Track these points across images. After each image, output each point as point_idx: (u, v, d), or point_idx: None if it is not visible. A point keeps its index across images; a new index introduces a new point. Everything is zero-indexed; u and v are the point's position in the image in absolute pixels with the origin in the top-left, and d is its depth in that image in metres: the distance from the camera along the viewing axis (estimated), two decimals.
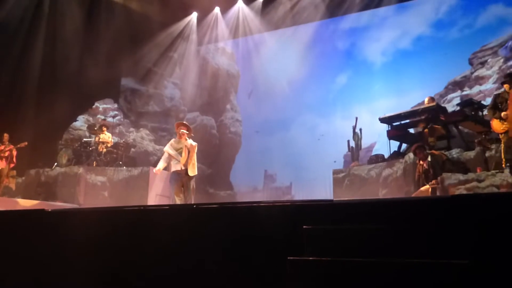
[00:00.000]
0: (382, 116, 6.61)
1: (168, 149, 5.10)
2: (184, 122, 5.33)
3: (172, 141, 5.19)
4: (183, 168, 4.92)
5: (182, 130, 5.04)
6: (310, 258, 1.90)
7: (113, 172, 8.37)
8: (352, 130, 7.92)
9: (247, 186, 10.76)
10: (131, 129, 11.32)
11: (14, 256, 2.98)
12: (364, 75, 9.31)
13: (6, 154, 7.74)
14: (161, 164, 5.08)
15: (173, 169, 5.01)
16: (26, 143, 7.86)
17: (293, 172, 9.78)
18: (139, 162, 9.74)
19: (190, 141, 5.00)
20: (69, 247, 2.81)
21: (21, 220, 3.10)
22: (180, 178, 4.94)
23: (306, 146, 9.81)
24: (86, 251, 2.73)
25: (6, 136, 7.88)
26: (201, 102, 11.71)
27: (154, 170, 5.12)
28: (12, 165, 7.92)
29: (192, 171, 4.95)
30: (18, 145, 7.82)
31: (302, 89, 10.18)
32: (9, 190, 8.12)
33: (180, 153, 5.00)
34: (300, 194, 9.42)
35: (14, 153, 7.85)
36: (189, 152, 4.92)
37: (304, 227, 2.06)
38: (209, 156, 11.08)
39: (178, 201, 4.79)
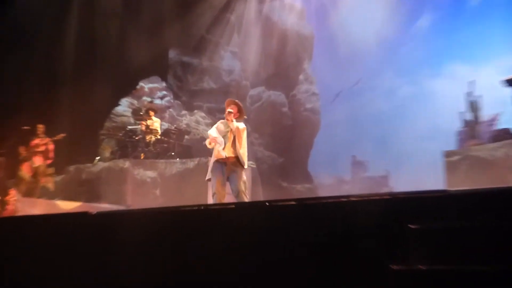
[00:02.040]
0: (507, 77, 6.46)
1: (212, 131, 5.27)
2: (236, 100, 5.40)
3: (219, 122, 5.36)
4: (227, 156, 5.05)
5: (228, 110, 5.17)
6: (420, 268, 1.83)
7: (165, 166, 8.71)
8: (466, 98, 7.84)
9: (331, 177, 11.02)
10: (184, 112, 11.77)
11: (55, 267, 3.17)
12: (480, 24, 9.21)
13: (42, 148, 7.86)
14: (217, 135, 5.18)
15: (215, 156, 5.13)
16: (63, 134, 8.05)
17: (389, 157, 9.89)
18: (195, 151, 10.02)
19: (237, 124, 5.10)
20: (119, 255, 2.94)
21: (63, 225, 3.30)
22: (223, 169, 5.06)
23: (405, 123, 9.83)
24: (138, 260, 2.86)
25: (41, 127, 7.98)
26: (267, 74, 11.97)
27: (212, 139, 5.13)
28: (49, 162, 8.08)
29: (242, 161, 5.07)
30: (55, 137, 7.97)
31: (395, 48, 10.28)
32: (46, 191, 8.23)
33: (226, 137, 5.16)
34: (401, 185, 9.27)
35: (51, 147, 7.95)
36: (234, 137, 5.05)
37: (410, 226, 1.99)
38: (280, 141, 11.40)
39: (220, 198, 4.89)
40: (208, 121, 11.63)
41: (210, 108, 11.96)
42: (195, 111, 11.83)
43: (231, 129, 5.14)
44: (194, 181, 8.17)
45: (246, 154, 5.10)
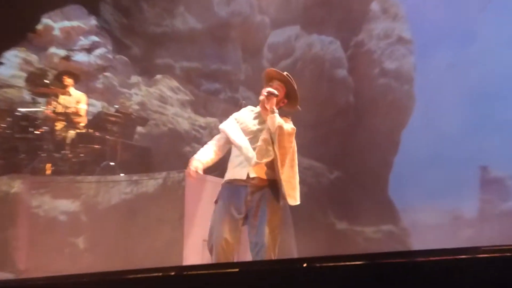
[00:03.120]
0: None
1: (227, 127, 5.61)
2: (285, 74, 5.63)
3: (243, 111, 5.70)
4: (253, 177, 5.38)
5: (269, 90, 5.43)
6: None
7: (96, 189, 8.87)
8: None
9: (437, 212, 11.60)
10: (135, 78, 12.00)
11: None
12: None
13: None
14: (206, 155, 5.66)
15: (230, 175, 5.49)
16: None
17: None
18: (159, 160, 10.74)
19: (280, 120, 5.40)
20: None
21: None
22: (241, 200, 5.41)
23: None
24: None
25: None
26: (305, 1, 12.72)
27: (191, 167, 5.61)
28: None
29: (291, 189, 5.43)
30: None
31: None
32: None
33: (255, 141, 5.46)
34: None
35: None
36: (277, 142, 5.38)
37: None
38: (332, 139, 12.41)
39: (222, 252, 5.35)
40: (185, 97, 12.27)
41: (190, 71, 12.42)
42: (158, 76, 12.15)
43: (269, 127, 5.38)
44: (158, 219, 8.46)
45: (296, 178, 5.46)
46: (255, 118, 5.56)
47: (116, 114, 9.99)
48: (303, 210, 11.69)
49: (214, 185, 9.30)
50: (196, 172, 5.55)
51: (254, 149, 5.44)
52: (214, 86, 13.11)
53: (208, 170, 10.58)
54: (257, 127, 5.52)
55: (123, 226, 8.68)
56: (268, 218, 5.36)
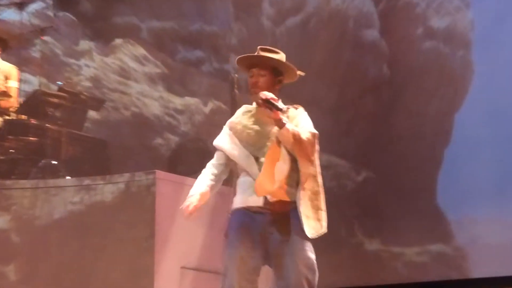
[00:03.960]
0: None
1: (224, 143, 5.77)
2: (258, 48, 5.85)
3: (237, 116, 5.88)
4: (271, 199, 5.52)
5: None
6: None
7: (32, 197, 8.97)
8: None
9: (505, 224, 11.68)
10: (85, 44, 12.50)
11: None
12: None
13: None
14: (203, 188, 5.80)
15: (240, 201, 5.66)
16: None
17: None
18: (121, 157, 10.96)
19: (302, 130, 5.59)
20: None
21: None
22: (255, 233, 5.55)
23: None
24: None
25: None
26: None
27: (186, 205, 5.69)
28: None
29: (315, 218, 5.57)
30: None
31: None
32: None
33: (261, 153, 5.65)
34: None
35: None
36: (299, 160, 5.52)
37: None
38: (359, 125, 12.45)
39: None
40: (155, 69, 12.77)
41: (162, 34, 12.88)
42: (118, 41, 12.56)
43: (278, 135, 5.54)
44: (118, 239, 8.69)
45: (322, 198, 5.60)
46: (253, 121, 5.71)
47: (60, 94, 9.99)
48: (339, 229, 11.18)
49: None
50: (193, 208, 5.58)
51: (261, 163, 5.57)
52: (195, 55, 13.19)
53: (188, 171, 10.64)
54: (260, 134, 5.65)
55: (71, 249, 8.68)
56: (296, 254, 5.44)
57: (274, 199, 5.47)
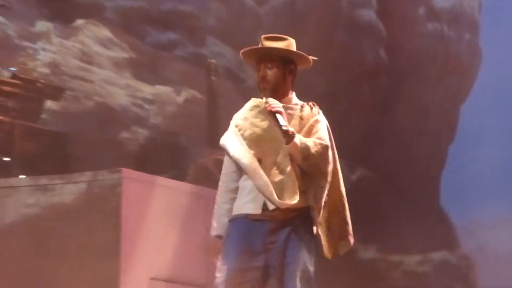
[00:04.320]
0: None
1: (230, 143, 5.70)
2: (262, 38, 5.56)
3: (248, 110, 5.77)
4: (270, 207, 5.35)
5: (264, 75, 5.48)
6: None
7: None
8: None
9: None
10: (42, 25, 12.40)
11: None
12: None
13: None
14: (224, 214, 5.75)
15: (239, 207, 5.55)
16: None
17: None
18: (83, 153, 10.75)
19: (311, 142, 5.34)
20: None
21: None
22: (260, 243, 5.35)
23: None
24: None
25: None
26: None
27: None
28: None
29: (333, 236, 5.37)
30: None
31: None
32: None
33: (267, 155, 5.51)
34: None
35: None
36: (312, 174, 5.32)
37: None
38: (354, 116, 12.80)
39: None
40: (121, 54, 12.85)
41: (129, 13, 12.96)
42: (79, 22, 12.63)
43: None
44: (78, 246, 8.75)
45: (346, 205, 5.39)
46: (262, 118, 5.53)
47: (13, 81, 9.97)
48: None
49: (167, 192, 9.33)
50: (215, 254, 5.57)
51: (273, 165, 5.40)
52: (167, 37, 13.19)
53: (158, 169, 10.72)
54: (265, 127, 5.47)
55: (25, 258, 8.78)
56: (301, 266, 5.30)
57: (287, 204, 5.33)
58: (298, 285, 5.17)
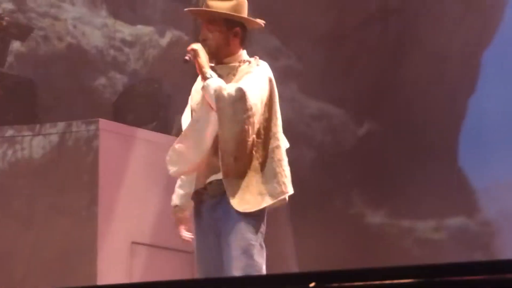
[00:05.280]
0: None
1: (184, 115, 6.41)
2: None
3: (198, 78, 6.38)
4: (204, 183, 6.15)
5: (205, 38, 6.21)
6: None
7: None
8: None
9: None
10: None
11: None
12: None
13: None
14: (180, 195, 6.44)
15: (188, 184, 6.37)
16: None
17: None
18: (53, 101, 11.46)
19: (247, 70, 6.13)
20: None
21: None
22: (205, 220, 6.12)
23: None
24: None
25: None
26: None
27: (182, 233, 6.43)
28: None
29: (249, 190, 6.07)
30: None
31: None
32: None
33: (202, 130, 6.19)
34: None
35: None
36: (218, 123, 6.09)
37: None
38: (360, 63, 12.95)
39: None
40: None
41: None
42: None
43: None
44: (49, 207, 9.02)
45: (258, 166, 6.07)
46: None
47: None
48: (308, 192, 11.76)
49: (150, 146, 9.43)
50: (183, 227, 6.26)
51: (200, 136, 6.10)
52: None
53: (139, 121, 10.78)
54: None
55: None
56: (231, 234, 5.94)
57: (210, 178, 5.96)
58: (235, 254, 5.84)
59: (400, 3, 12.96)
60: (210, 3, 6.20)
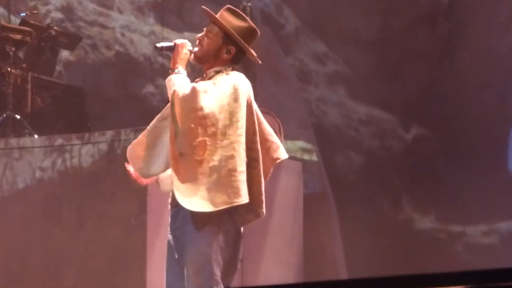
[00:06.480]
0: None
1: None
2: (240, 13, 6.42)
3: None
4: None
5: (202, 38, 6.27)
6: None
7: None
8: None
9: None
10: None
11: None
12: None
13: None
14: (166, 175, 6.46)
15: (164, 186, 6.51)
16: None
17: None
18: (102, 109, 11.04)
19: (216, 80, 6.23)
20: None
21: None
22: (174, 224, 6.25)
23: None
24: None
25: None
26: None
27: (128, 168, 6.52)
28: None
29: (196, 190, 6.10)
30: None
31: None
32: None
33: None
34: None
35: None
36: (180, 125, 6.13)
37: None
38: (409, 67, 12.93)
39: None
40: None
41: None
42: None
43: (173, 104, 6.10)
44: (99, 215, 9.09)
45: (209, 165, 6.11)
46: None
47: (23, 28, 9.93)
48: (356, 197, 12.11)
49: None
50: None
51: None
52: None
53: None
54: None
55: (39, 227, 8.99)
56: (187, 247, 6.02)
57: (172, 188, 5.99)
58: (190, 269, 5.99)
59: (448, 5, 12.87)
60: (225, 13, 6.26)
